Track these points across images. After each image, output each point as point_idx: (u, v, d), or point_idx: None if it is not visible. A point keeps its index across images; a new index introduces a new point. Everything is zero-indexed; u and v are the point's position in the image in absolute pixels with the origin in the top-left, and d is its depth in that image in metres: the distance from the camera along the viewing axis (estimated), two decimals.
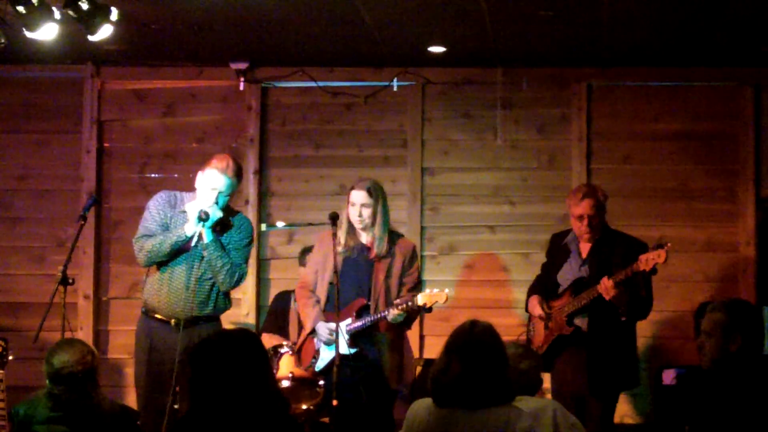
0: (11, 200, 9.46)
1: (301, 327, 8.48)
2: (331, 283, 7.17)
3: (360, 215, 7.20)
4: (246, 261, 7.23)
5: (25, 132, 9.50)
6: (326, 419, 7.60)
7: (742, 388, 5.24)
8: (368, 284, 7.24)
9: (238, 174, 7.15)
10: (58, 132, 9.50)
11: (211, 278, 7.09)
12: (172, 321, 7.01)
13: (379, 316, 7.13)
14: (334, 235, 7.08)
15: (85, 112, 9.44)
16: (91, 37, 7.17)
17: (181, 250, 7.06)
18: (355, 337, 7.17)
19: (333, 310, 7.15)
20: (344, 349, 7.07)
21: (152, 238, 7.08)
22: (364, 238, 7.28)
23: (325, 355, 7.24)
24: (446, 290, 7.14)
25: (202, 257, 7.04)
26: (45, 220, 9.41)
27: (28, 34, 7.03)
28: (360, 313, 7.20)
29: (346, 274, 7.20)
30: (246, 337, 4.43)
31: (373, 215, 7.22)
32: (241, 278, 7.16)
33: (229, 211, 7.20)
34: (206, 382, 4.25)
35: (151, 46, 8.85)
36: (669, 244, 7.02)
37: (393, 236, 7.35)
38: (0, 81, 9.50)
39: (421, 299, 7.11)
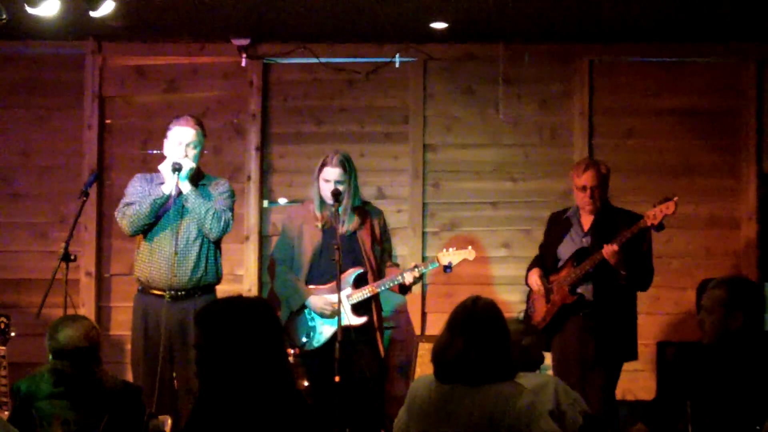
0: (13, 176, 9.45)
1: None
2: (311, 259, 7.21)
3: (335, 190, 7.22)
4: (230, 209, 7.28)
5: (26, 108, 9.48)
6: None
7: (743, 364, 5.26)
8: (359, 254, 7.26)
9: (200, 124, 7.30)
10: (60, 108, 9.48)
11: (197, 238, 7.10)
12: (166, 294, 7.04)
13: (393, 281, 7.16)
14: (336, 211, 7.09)
15: (87, 88, 9.42)
16: (92, 13, 7.17)
17: (163, 214, 7.10)
18: (356, 307, 7.20)
19: (321, 282, 7.18)
20: (351, 319, 7.11)
21: (132, 204, 7.17)
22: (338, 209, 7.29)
23: (324, 330, 7.21)
24: (470, 247, 7.24)
25: (181, 216, 7.08)
26: (47, 197, 9.40)
27: (30, 10, 7.03)
28: (358, 283, 7.22)
29: (329, 246, 7.20)
30: (262, 304, 4.39)
31: (347, 190, 7.25)
32: (227, 224, 7.18)
33: (200, 175, 7.29)
34: (215, 349, 4.19)
35: (152, 22, 8.83)
36: (677, 197, 7.03)
37: (363, 204, 7.45)
38: (1, 57, 9.48)
39: (444, 259, 7.18)
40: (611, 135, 9.24)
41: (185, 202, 7.11)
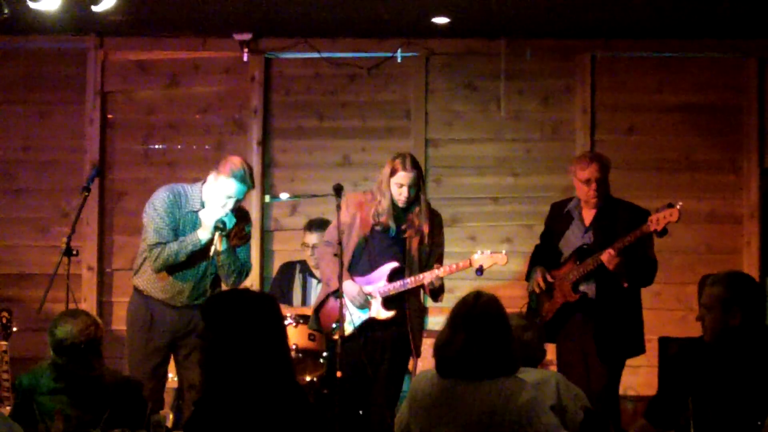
0: (15, 171, 9.46)
1: (303, 298, 8.50)
2: (354, 250, 7.17)
3: (409, 196, 7.16)
4: (249, 255, 7.25)
5: (28, 103, 9.49)
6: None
7: (744, 360, 5.26)
8: (401, 251, 7.22)
9: (253, 178, 7.09)
10: (62, 103, 9.49)
11: (213, 274, 7.06)
12: (173, 302, 7.04)
13: (419, 279, 7.13)
14: (338, 207, 7.06)
15: (89, 83, 9.42)
16: (94, 8, 7.17)
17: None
18: (387, 301, 7.17)
19: (358, 273, 7.16)
20: (378, 312, 7.11)
21: (168, 246, 6.96)
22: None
23: (354, 320, 7.16)
24: (504, 251, 7.20)
25: (208, 260, 7.01)
26: (49, 192, 9.41)
27: (32, 5, 7.03)
28: (393, 277, 7.19)
29: (378, 241, 7.20)
30: (267, 298, 4.40)
31: (418, 191, 7.21)
32: (246, 276, 7.16)
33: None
34: (220, 340, 4.19)
35: (154, 16, 8.84)
36: (681, 204, 7.02)
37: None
38: (3, 52, 9.48)
39: (476, 261, 7.15)
40: (613, 131, 9.24)
41: (216, 255, 6.97)
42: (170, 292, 7.05)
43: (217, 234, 6.92)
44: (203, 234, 6.95)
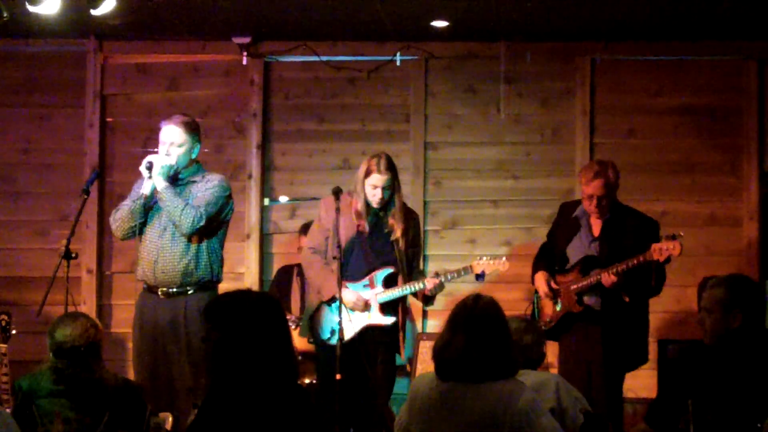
0: (14, 174, 9.46)
1: (301, 301, 8.47)
2: (334, 258, 7.11)
3: (382, 197, 7.16)
4: (207, 205, 7.02)
5: (28, 106, 9.49)
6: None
7: (744, 363, 5.26)
8: (391, 254, 7.21)
9: (188, 124, 7.14)
10: (61, 106, 9.49)
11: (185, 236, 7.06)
12: (160, 291, 7.03)
13: (419, 285, 7.12)
14: (338, 209, 7.05)
15: (88, 86, 9.43)
16: (93, 11, 7.17)
17: (151, 212, 7.08)
18: (383, 306, 7.17)
19: (350, 278, 7.14)
20: (378, 318, 7.10)
21: (120, 209, 7.16)
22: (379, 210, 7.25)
23: (354, 325, 7.14)
24: (504, 257, 7.19)
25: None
26: (48, 195, 9.41)
27: (31, 8, 7.04)
28: (388, 282, 7.18)
29: (364, 245, 7.19)
30: (270, 299, 4.40)
31: (393, 193, 7.20)
32: (199, 219, 6.96)
33: (192, 172, 7.18)
34: (224, 343, 4.18)
35: (154, 20, 8.83)
36: (682, 234, 7.00)
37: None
38: (3, 55, 9.49)
39: (478, 267, 7.14)
40: (612, 133, 9.24)
41: (159, 201, 7.05)
42: (148, 260, 7.06)
43: (147, 174, 6.99)
44: (144, 185, 7.05)
